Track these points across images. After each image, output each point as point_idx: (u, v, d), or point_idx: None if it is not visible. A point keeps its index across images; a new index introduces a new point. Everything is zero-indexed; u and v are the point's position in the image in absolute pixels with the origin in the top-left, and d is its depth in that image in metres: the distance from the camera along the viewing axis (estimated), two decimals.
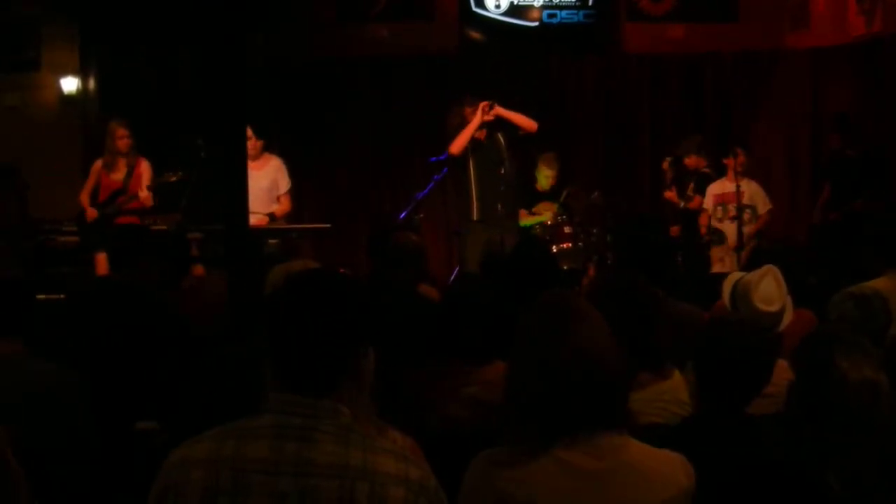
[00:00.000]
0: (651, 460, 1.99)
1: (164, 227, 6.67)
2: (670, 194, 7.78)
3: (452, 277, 7.56)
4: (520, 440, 1.99)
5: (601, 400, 1.96)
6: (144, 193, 6.90)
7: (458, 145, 6.89)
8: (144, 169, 7.02)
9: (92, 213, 6.92)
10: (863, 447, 2.28)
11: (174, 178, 6.85)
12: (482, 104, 6.78)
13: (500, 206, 6.74)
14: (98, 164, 7.06)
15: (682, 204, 7.64)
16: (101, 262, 6.42)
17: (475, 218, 6.91)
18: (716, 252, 7.47)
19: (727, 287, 3.62)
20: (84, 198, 7.04)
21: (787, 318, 3.47)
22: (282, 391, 1.76)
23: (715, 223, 7.47)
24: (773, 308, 3.42)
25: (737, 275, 3.68)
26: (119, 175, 6.99)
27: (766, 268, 3.53)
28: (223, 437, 1.74)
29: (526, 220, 7.64)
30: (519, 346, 2.04)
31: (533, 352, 2.00)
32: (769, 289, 3.44)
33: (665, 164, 7.87)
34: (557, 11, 9.16)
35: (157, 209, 6.99)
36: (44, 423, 2.77)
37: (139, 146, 7.13)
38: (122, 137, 6.96)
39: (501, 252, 6.15)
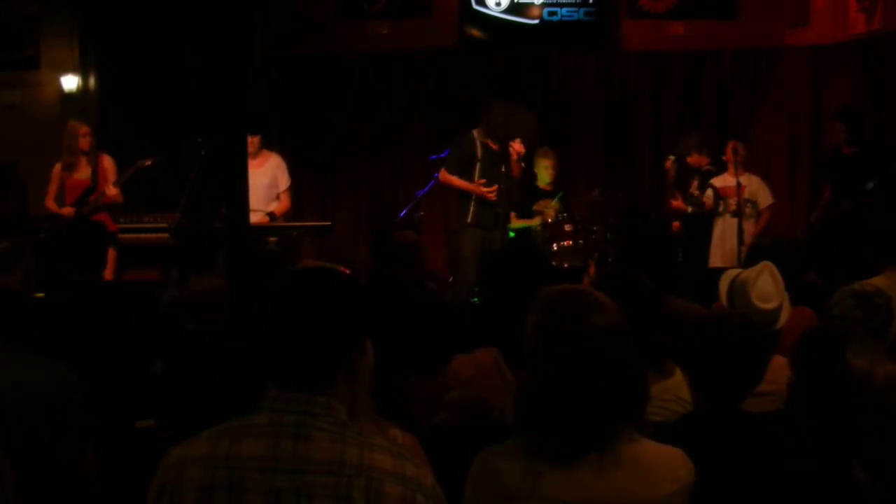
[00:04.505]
0: (652, 455, 2.00)
1: (164, 226, 6.66)
2: (677, 203, 7.70)
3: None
4: (526, 435, 1.99)
5: (624, 394, 1.96)
6: (112, 190, 6.83)
7: (447, 182, 7.01)
8: (109, 164, 6.98)
9: (69, 210, 6.79)
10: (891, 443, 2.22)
11: (148, 163, 6.81)
12: (515, 155, 6.88)
13: (498, 207, 6.72)
14: (58, 167, 6.94)
15: (690, 210, 7.58)
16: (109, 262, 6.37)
17: (470, 220, 6.89)
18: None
19: (724, 285, 3.61)
20: (51, 204, 6.93)
21: (785, 314, 3.47)
22: (277, 388, 1.76)
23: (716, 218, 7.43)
24: (771, 305, 3.42)
25: (733, 272, 3.67)
26: (84, 174, 6.93)
27: (762, 265, 3.52)
28: (219, 435, 1.74)
29: (518, 223, 7.52)
30: (535, 339, 2.01)
31: (552, 344, 1.98)
32: (766, 286, 3.44)
33: (668, 163, 7.80)
34: (558, 9, 9.14)
35: (125, 204, 6.98)
36: (44, 421, 2.76)
37: (141, 145, 7.10)
38: (85, 136, 6.91)
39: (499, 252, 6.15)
